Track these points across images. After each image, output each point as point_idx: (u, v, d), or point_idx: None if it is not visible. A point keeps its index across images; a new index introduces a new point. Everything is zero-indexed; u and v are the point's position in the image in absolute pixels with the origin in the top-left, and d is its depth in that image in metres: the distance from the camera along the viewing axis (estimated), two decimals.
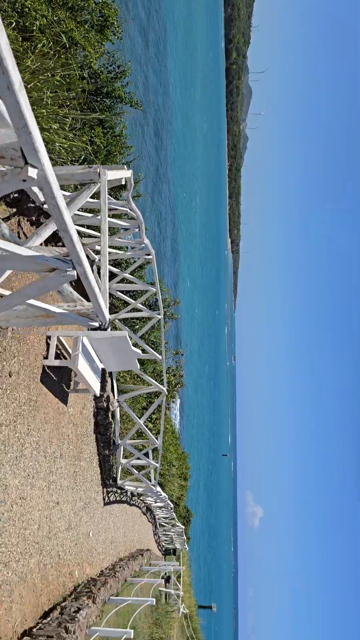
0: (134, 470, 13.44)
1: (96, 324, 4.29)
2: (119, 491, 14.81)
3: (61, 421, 8.92)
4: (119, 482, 13.34)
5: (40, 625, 6.51)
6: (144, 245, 9.01)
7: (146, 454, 13.52)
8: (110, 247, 9.59)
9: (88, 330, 9.60)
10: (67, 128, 6.73)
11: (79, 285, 7.64)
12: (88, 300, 5.41)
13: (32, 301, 3.87)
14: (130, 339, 9.56)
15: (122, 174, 5.74)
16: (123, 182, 5.99)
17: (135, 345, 11.05)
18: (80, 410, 10.26)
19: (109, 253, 9.47)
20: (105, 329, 4.34)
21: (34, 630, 6.32)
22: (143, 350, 11.93)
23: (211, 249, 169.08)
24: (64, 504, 9.15)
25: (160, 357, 10.94)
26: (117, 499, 15.27)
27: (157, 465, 13.23)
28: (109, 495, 13.81)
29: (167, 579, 29.63)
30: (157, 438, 12.59)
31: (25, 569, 6.96)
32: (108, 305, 7.13)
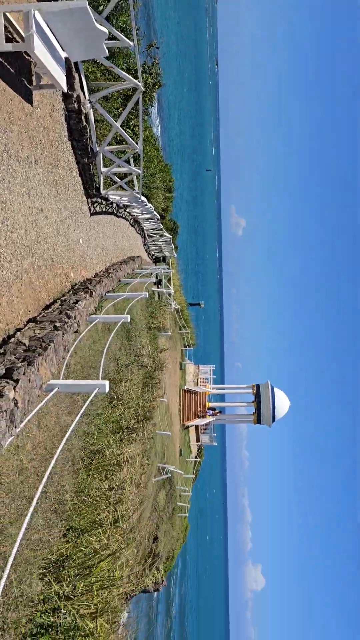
0: (117, 178, 13.11)
1: None
2: (104, 202, 14.79)
3: (29, 123, 8.11)
4: (103, 192, 13.16)
5: (42, 314, 7.12)
6: None
7: (127, 162, 12.98)
8: None
9: (38, 1, 7.90)
10: None
11: None
12: None
13: None
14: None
15: None
16: None
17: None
18: (49, 113, 9.29)
19: None
20: None
21: (38, 317, 6.94)
22: (112, 38, 10.18)
23: None
24: (48, 211, 9.08)
25: (131, 44, 9.38)
26: (104, 210, 15.38)
27: (140, 171, 12.84)
28: (95, 206, 13.82)
29: (159, 282, 32.63)
30: (137, 143, 11.86)
31: (20, 269, 7.25)
32: None
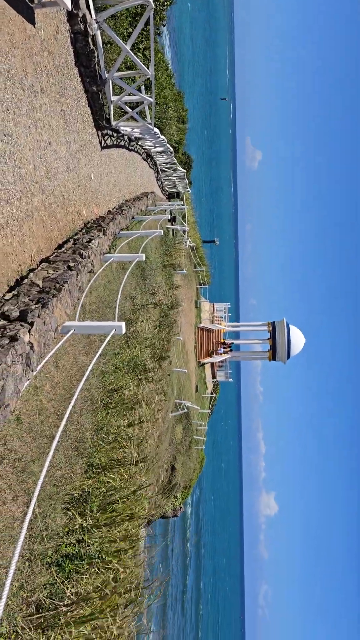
0: (128, 108, 12.44)
1: None
2: (115, 135, 14.15)
3: (33, 47, 7.56)
4: (113, 123, 12.54)
5: (55, 254, 6.93)
6: None
7: (138, 89, 12.26)
8: None
9: None
10: None
11: None
12: None
13: None
14: None
15: None
16: None
17: None
18: (54, 35, 8.65)
19: None
20: None
21: (51, 258, 6.75)
22: None
23: None
24: (57, 145, 8.67)
25: None
26: (115, 143, 14.74)
27: (152, 100, 12.14)
28: (105, 138, 13.22)
29: (173, 219, 31.96)
30: (148, 68, 11.12)
31: (30, 206, 6.99)
32: None
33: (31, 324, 4.27)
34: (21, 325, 4.17)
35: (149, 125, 14.17)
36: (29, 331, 4.16)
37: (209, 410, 43.67)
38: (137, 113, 13.22)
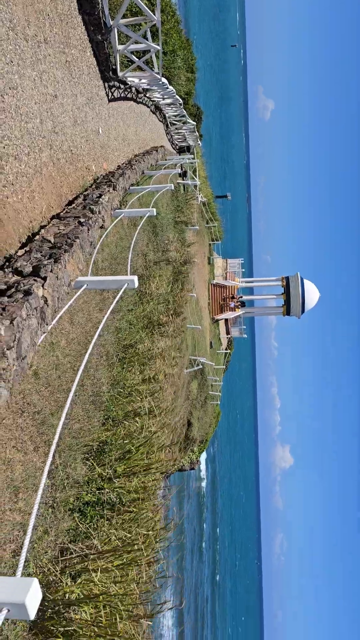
0: (134, 57, 12.04)
1: None
2: (122, 87, 13.76)
3: None
4: (120, 74, 12.17)
5: (66, 210, 6.90)
6: None
7: (144, 37, 11.82)
8: None
9: None
10: None
11: None
12: None
13: None
14: None
15: None
16: None
17: None
18: None
19: None
20: None
21: (61, 214, 6.73)
22: None
23: None
24: (63, 98, 8.48)
25: None
26: (122, 95, 14.35)
27: (159, 47, 11.72)
28: (112, 91, 12.87)
29: (184, 174, 31.34)
30: (154, 13, 10.69)
31: (38, 162, 6.92)
32: None
33: (44, 278, 4.31)
34: (34, 280, 4.22)
35: (157, 75, 13.75)
36: (42, 286, 4.20)
37: (224, 366, 44.10)
38: (144, 62, 12.80)
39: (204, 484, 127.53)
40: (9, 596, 2.46)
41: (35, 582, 2.51)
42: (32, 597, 2.48)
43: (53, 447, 3.86)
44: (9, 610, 2.44)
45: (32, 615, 2.47)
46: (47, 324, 4.11)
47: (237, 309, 38.98)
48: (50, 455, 3.85)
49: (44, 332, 4.08)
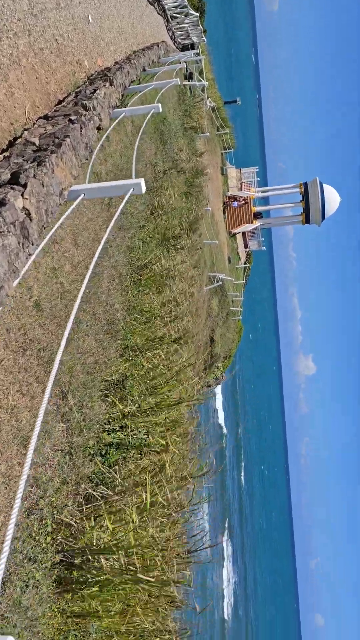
0: None
1: None
2: None
3: None
4: None
5: (55, 109, 5.79)
6: None
7: None
8: None
9: None
10: None
11: None
12: None
13: None
14: None
15: None
16: None
17: None
18: None
19: None
20: None
21: (49, 114, 5.63)
22: None
23: None
24: None
25: None
26: None
27: None
28: None
29: (189, 76, 28.72)
30: None
31: (15, 50, 5.71)
32: None
33: (24, 185, 3.39)
34: (11, 188, 3.31)
35: None
36: (22, 194, 3.30)
37: (244, 281, 43.16)
38: None
39: (228, 395, 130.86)
40: None
41: None
42: None
43: (51, 380, 3.14)
44: None
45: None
46: (32, 244, 3.26)
47: (254, 221, 37.30)
48: (46, 394, 3.14)
49: (29, 254, 3.24)
